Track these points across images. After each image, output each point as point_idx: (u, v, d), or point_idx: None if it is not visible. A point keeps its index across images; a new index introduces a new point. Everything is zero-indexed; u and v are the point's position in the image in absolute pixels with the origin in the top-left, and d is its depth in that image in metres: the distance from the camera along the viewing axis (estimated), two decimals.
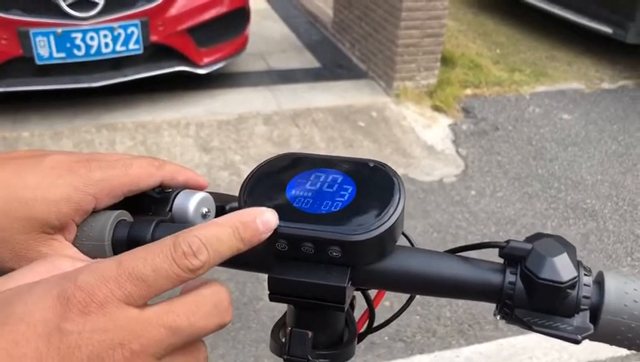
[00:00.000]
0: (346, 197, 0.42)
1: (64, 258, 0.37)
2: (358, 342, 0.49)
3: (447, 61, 4.39)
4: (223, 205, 0.52)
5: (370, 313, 0.52)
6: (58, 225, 0.44)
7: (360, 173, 0.44)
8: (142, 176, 0.47)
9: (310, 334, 0.44)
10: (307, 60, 4.52)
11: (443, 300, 2.40)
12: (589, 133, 3.72)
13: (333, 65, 4.43)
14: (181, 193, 0.49)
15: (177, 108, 3.64)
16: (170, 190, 0.50)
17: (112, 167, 0.46)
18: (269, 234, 0.38)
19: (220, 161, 3.20)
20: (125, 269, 0.32)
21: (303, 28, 5.22)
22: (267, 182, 0.45)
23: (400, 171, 3.22)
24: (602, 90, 4.33)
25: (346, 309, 0.43)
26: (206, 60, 3.67)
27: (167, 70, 3.55)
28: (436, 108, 3.84)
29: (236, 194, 0.46)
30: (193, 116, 3.55)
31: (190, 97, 3.78)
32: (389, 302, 2.04)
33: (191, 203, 0.49)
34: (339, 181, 0.44)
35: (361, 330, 0.52)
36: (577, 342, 0.39)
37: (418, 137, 3.55)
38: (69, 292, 0.31)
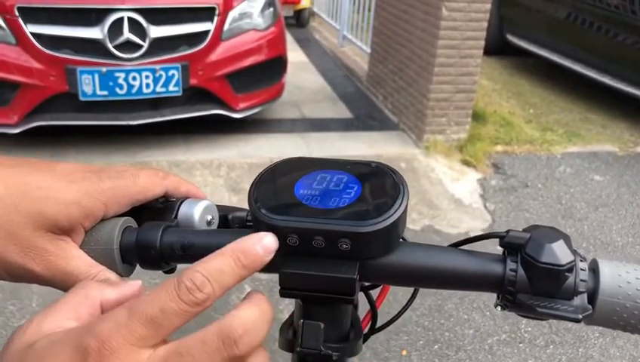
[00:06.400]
0: (352, 195, 0.44)
1: (93, 285, 0.39)
2: (363, 342, 0.50)
3: (479, 117, 4.42)
4: (225, 214, 0.54)
5: (373, 313, 0.53)
6: (67, 227, 0.45)
7: (363, 173, 0.46)
8: (149, 185, 0.49)
9: (322, 325, 0.45)
10: (340, 111, 4.61)
11: (451, 353, 2.35)
12: (621, 195, 3.67)
13: (365, 117, 4.50)
14: (186, 201, 0.52)
15: (211, 149, 3.74)
16: (174, 199, 0.52)
17: (121, 177, 0.48)
18: (271, 256, 0.40)
19: None
20: (135, 313, 0.34)
21: (339, 81, 5.34)
22: (275, 183, 0.47)
23: (426, 222, 3.21)
24: (636, 153, 4.28)
25: (355, 302, 0.45)
26: (242, 105, 3.78)
27: (204, 113, 3.66)
28: (466, 163, 3.84)
29: None
30: (225, 158, 3.64)
31: (224, 140, 3.88)
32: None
33: (196, 210, 0.51)
34: (344, 180, 0.46)
35: (365, 331, 0.53)
36: (578, 321, 0.41)
37: (446, 190, 3.55)
38: (85, 342, 0.33)
